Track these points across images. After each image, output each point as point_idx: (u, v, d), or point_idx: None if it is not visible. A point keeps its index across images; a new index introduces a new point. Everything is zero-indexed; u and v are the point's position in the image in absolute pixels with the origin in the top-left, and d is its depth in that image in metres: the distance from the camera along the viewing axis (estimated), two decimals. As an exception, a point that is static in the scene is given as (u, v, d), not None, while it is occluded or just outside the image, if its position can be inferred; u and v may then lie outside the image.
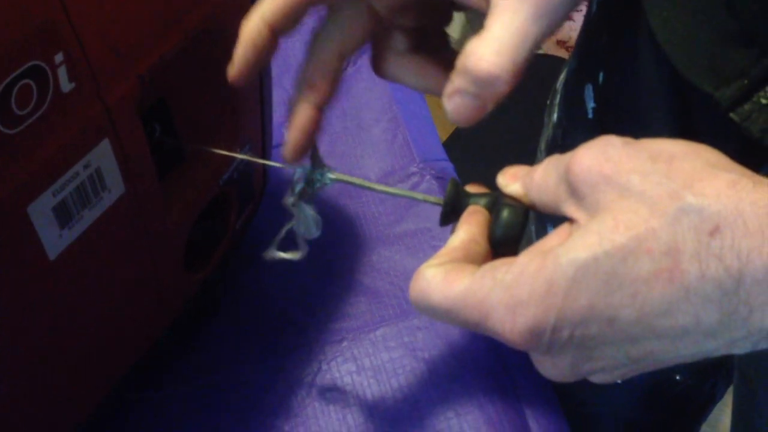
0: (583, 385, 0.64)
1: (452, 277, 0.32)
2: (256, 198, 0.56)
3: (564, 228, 0.32)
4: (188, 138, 0.47)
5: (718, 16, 0.36)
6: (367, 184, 0.41)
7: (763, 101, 0.35)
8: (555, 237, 0.31)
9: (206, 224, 0.51)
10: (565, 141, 0.53)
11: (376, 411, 0.54)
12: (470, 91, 0.34)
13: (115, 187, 0.39)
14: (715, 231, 0.27)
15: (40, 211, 0.35)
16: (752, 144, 0.35)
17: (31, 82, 0.32)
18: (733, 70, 0.36)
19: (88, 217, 0.38)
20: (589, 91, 0.49)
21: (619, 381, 0.33)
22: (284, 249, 0.43)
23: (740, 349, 0.29)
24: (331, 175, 0.41)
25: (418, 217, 0.64)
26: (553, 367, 0.32)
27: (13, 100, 0.32)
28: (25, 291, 0.36)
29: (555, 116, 0.55)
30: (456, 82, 0.35)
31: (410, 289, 0.34)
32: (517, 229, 0.35)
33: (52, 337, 0.40)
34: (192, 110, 0.46)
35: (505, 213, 0.35)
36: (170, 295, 0.49)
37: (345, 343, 0.57)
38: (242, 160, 0.50)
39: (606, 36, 0.47)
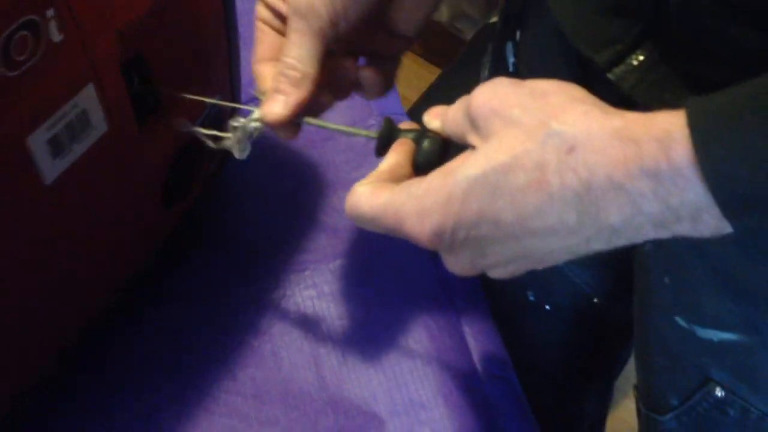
0: (519, 311, 0.72)
1: (377, 192, 0.40)
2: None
3: (465, 153, 0.39)
4: (164, 87, 0.54)
5: None
6: (316, 121, 0.48)
7: (634, 63, 0.42)
8: (458, 160, 0.38)
9: (182, 166, 0.58)
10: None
11: (333, 330, 0.62)
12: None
13: (99, 126, 0.46)
14: (571, 150, 0.34)
15: (38, 142, 0.42)
16: (625, 98, 0.42)
17: (28, 33, 0.39)
18: (609, 37, 0.43)
19: (77, 149, 0.45)
20: (509, 48, 0.56)
21: (510, 276, 0.40)
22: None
23: (598, 244, 0.36)
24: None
25: (374, 164, 0.71)
26: (456, 263, 0.39)
27: (12, 48, 0.39)
28: (25, 211, 0.44)
29: (486, 72, 0.62)
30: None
31: (345, 203, 0.42)
32: (435, 156, 0.43)
33: (47, 254, 0.47)
34: (167, 63, 0.53)
35: (425, 143, 0.43)
36: (150, 226, 0.57)
37: (307, 273, 0.65)
38: (212, 111, 0.57)
39: (509, 6, 0.54)
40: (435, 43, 1.93)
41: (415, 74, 1.96)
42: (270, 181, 0.69)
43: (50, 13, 0.40)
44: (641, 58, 0.42)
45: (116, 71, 0.46)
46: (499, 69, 0.59)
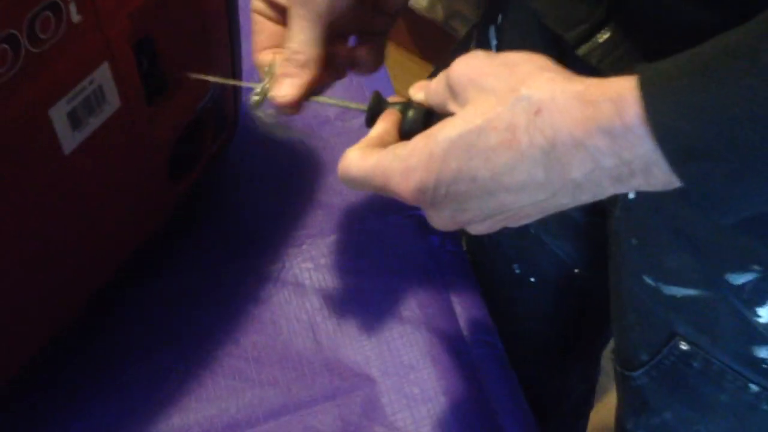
0: (506, 284, 0.76)
1: (366, 155, 0.44)
2: (229, 126, 0.68)
3: (446, 119, 0.43)
4: (171, 67, 0.58)
5: None
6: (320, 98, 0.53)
7: (599, 41, 0.47)
8: (439, 125, 0.42)
9: (188, 144, 0.62)
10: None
11: (329, 299, 0.66)
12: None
13: (112, 102, 0.51)
14: (538, 112, 0.38)
15: (58, 114, 0.46)
16: (595, 71, 0.47)
17: (50, 14, 0.44)
18: (578, 17, 0.47)
19: (93, 123, 0.50)
20: (492, 32, 0.61)
21: (487, 231, 0.44)
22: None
23: (564, 199, 0.40)
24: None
25: (368, 146, 0.75)
26: (438, 219, 0.43)
27: (37, 27, 0.43)
28: (46, 178, 0.48)
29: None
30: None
31: (338, 166, 0.46)
32: (418, 124, 0.47)
33: (62, 220, 0.51)
34: (173, 45, 0.58)
35: (410, 113, 0.47)
36: (157, 197, 0.61)
37: (304, 246, 0.69)
38: (215, 92, 0.62)
39: None
40: (430, 41, 1.97)
41: (410, 72, 2.01)
42: (269, 163, 0.73)
43: (70, -4, 0.45)
44: (606, 36, 0.47)
45: (128, 51, 0.50)
46: (482, 48, 0.63)
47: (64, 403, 0.59)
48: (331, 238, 0.69)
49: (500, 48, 0.61)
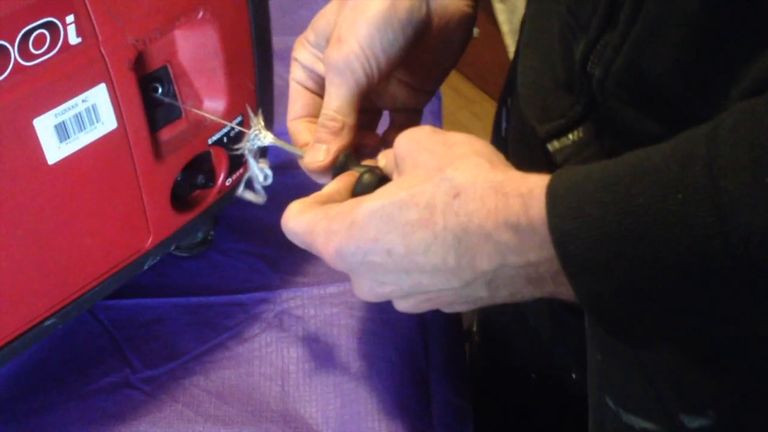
0: (505, 371, 0.73)
1: (304, 210, 0.44)
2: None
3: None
4: (186, 99, 0.60)
5: (556, 67, 0.46)
6: (291, 148, 0.53)
7: (570, 138, 0.45)
8: (372, 193, 0.42)
9: (196, 177, 0.64)
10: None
11: (308, 351, 0.65)
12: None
13: (108, 122, 0.53)
14: (456, 195, 0.37)
15: (44, 125, 0.49)
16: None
17: (46, 32, 0.46)
18: (556, 111, 0.45)
19: (84, 139, 0.52)
20: (504, 113, 0.59)
21: (417, 310, 0.43)
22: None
23: (481, 291, 0.39)
24: (266, 139, 0.53)
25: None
26: (359, 287, 0.43)
27: (30, 42, 0.46)
28: (28, 184, 0.50)
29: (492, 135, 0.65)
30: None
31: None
32: (369, 189, 0.46)
33: (40, 228, 0.53)
34: (193, 78, 0.60)
35: (365, 176, 0.47)
36: (157, 225, 0.63)
37: (299, 294, 0.69)
38: (231, 130, 0.63)
39: (510, 71, 0.57)
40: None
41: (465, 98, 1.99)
42: (281, 202, 0.74)
43: (70, 18, 0.47)
44: (580, 135, 0.44)
45: (130, 76, 0.53)
46: (496, 132, 0.62)
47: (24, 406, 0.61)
48: (327, 291, 0.69)
49: (508, 132, 0.59)
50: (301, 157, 0.52)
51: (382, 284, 0.41)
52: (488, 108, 2.09)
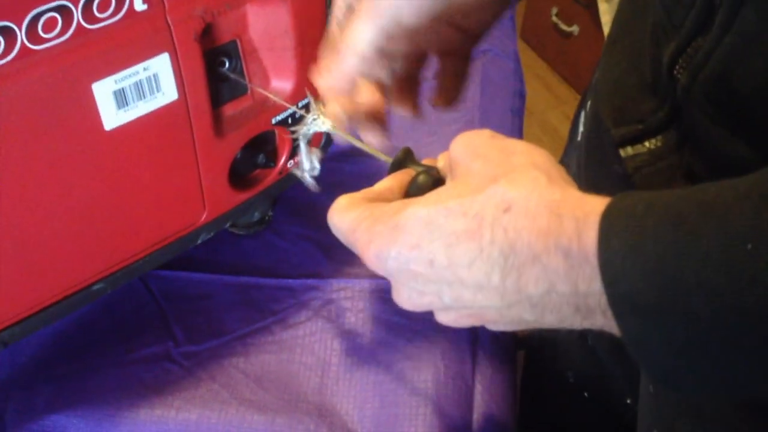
0: (555, 385, 0.69)
1: (350, 207, 0.42)
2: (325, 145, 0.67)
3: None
4: (253, 76, 0.59)
5: (644, 66, 0.42)
6: (349, 137, 0.51)
7: (646, 146, 0.41)
8: (421, 197, 0.39)
9: (257, 156, 0.63)
10: (563, 160, 0.60)
11: (352, 345, 0.64)
12: None
13: (168, 92, 0.52)
14: (508, 209, 0.34)
15: (103, 90, 0.48)
16: (626, 178, 0.41)
17: (112, -2, 0.46)
18: (635, 115, 0.42)
19: (143, 107, 0.51)
20: (582, 117, 0.55)
21: (457, 324, 0.40)
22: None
23: (526, 314, 0.36)
24: (325, 125, 0.51)
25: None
26: (398, 294, 0.40)
27: (95, 5, 0.45)
28: (83, 148, 0.50)
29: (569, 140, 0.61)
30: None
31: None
32: (424, 190, 0.44)
33: (95, 192, 0.53)
34: (262, 55, 0.58)
35: (420, 177, 0.44)
36: (212, 201, 0.62)
37: (351, 285, 0.67)
38: (300, 109, 0.62)
39: (595, 71, 0.53)
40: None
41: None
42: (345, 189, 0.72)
43: (138, -16, 0.46)
44: (657, 144, 0.41)
45: (195, 49, 0.51)
46: (572, 138, 0.58)
47: (65, 367, 0.62)
48: (379, 285, 0.67)
49: (584, 138, 0.55)
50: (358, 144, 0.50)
51: (422, 294, 0.39)
52: (581, 110, 2.02)
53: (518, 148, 0.37)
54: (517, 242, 0.33)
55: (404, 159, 0.47)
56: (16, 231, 0.50)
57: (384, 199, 0.43)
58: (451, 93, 0.52)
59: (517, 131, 0.85)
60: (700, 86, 0.37)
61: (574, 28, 1.95)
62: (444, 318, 0.40)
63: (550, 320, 0.36)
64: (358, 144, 0.50)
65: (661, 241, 0.28)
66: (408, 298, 0.40)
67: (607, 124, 0.43)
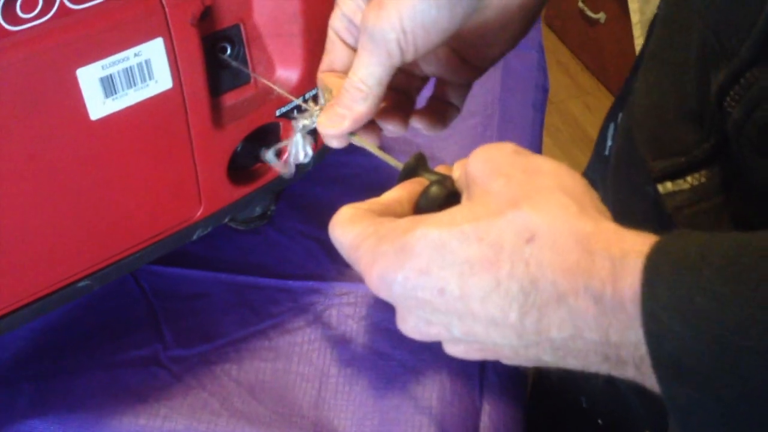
0: (567, 410, 0.65)
1: (354, 220, 0.37)
2: (317, 141, 0.63)
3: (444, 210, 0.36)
4: (257, 64, 0.54)
5: (688, 91, 0.37)
6: (360, 140, 0.46)
7: (690, 182, 0.36)
8: (431, 215, 0.35)
9: (258, 149, 0.58)
10: (586, 173, 0.55)
11: (352, 356, 0.59)
12: None
13: (162, 80, 0.47)
14: (530, 240, 0.30)
15: (88, 77, 0.44)
16: (667, 223, 0.36)
17: (100, -27, 0.41)
18: (676, 146, 0.37)
19: (133, 96, 0.47)
20: (611, 130, 0.51)
21: (467, 357, 0.36)
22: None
23: (546, 356, 0.32)
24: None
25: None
26: (403, 322, 0.36)
27: (79, -17, 0.41)
28: (67, 138, 0.46)
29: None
30: None
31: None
32: (436, 203, 0.39)
33: (82, 189, 0.49)
34: (267, 42, 0.54)
35: (432, 188, 0.40)
36: (209, 196, 0.57)
37: (353, 291, 0.63)
38: (306, 101, 0.57)
39: (628, 81, 0.48)
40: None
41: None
42: (350, 189, 0.68)
43: (129, -40, 0.42)
44: (701, 180, 0.36)
45: (193, 34, 0.47)
46: (598, 151, 0.53)
47: (49, 366, 0.58)
48: (384, 292, 0.63)
49: (612, 152, 0.50)
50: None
51: (429, 323, 0.35)
52: (604, 101, 1.96)
53: (545, 167, 0.32)
54: (540, 279, 0.29)
55: (416, 166, 0.42)
56: (-5, 224, 0.46)
57: (392, 211, 0.39)
58: (438, 119, 0.49)
59: (538, 127, 0.80)
60: (754, 124, 0.32)
61: (601, 15, 1.88)
62: (452, 350, 0.36)
63: (573, 364, 0.32)
64: (366, 145, 0.46)
65: (718, 297, 0.24)
66: (414, 326, 0.35)
67: (642, 154, 0.38)
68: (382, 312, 0.62)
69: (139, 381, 0.57)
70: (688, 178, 0.36)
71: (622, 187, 0.46)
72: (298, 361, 0.59)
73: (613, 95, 1.95)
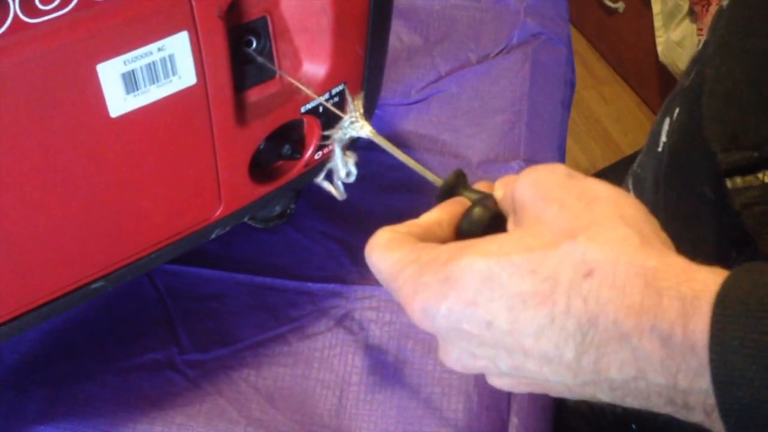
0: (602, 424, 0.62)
1: (393, 245, 0.35)
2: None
3: (490, 237, 0.33)
4: (283, 58, 0.51)
5: (763, 78, 0.35)
6: (391, 147, 0.44)
7: (760, 179, 0.34)
8: (478, 242, 0.32)
9: (282, 147, 0.56)
10: (636, 171, 0.52)
11: (375, 363, 0.57)
12: None
13: (186, 76, 0.45)
14: (589, 274, 0.28)
15: (109, 72, 0.41)
16: (732, 217, 0.34)
17: (123, -36, 0.38)
18: (751, 138, 0.34)
19: (155, 92, 0.44)
20: (665, 125, 0.48)
21: (514, 390, 0.34)
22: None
23: (602, 395, 0.30)
24: (363, 130, 0.44)
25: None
26: (445, 354, 0.34)
27: (103, -26, 0.38)
28: (86, 135, 0.43)
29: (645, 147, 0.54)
30: None
31: (368, 242, 0.37)
32: (480, 227, 0.37)
33: (99, 188, 0.46)
34: (294, 35, 0.51)
35: (476, 210, 0.37)
36: (229, 195, 0.55)
37: (376, 294, 0.60)
38: (333, 97, 0.54)
39: (688, 76, 0.46)
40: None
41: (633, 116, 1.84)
42: (371, 192, 0.65)
43: (155, -50, 0.39)
44: None
45: (219, 28, 0.44)
46: (650, 147, 0.50)
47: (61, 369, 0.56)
48: (408, 296, 0.60)
49: (666, 148, 0.47)
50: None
51: (474, 357, 0.32)
52: (619, 92, 1.93)
53: (602, 193, 0.30)
54: (600, 316, 0.27)
55: (456, 184, 0.40)
56: (10, 223, 0.44)
57: (432, 234, 0.37)
58: None
59: (564, 125, 0.77)
60: None
61: (620, 5, 1.84)
62: (498, 382, 0.34)
63: (632, 404, 0.30)
64: (402, 157, 0.43)
65: None
66: (457, 359, 0.33)
67: (712, 147, 0.35)
68: (406, 317, 0.59)
69: (153, 387, 0.55)
70: (760, 174, 0.34)
71: (676, 187, 0.43)
72: (319, 367, 0.57)
73: (630, 86, 1.92)
